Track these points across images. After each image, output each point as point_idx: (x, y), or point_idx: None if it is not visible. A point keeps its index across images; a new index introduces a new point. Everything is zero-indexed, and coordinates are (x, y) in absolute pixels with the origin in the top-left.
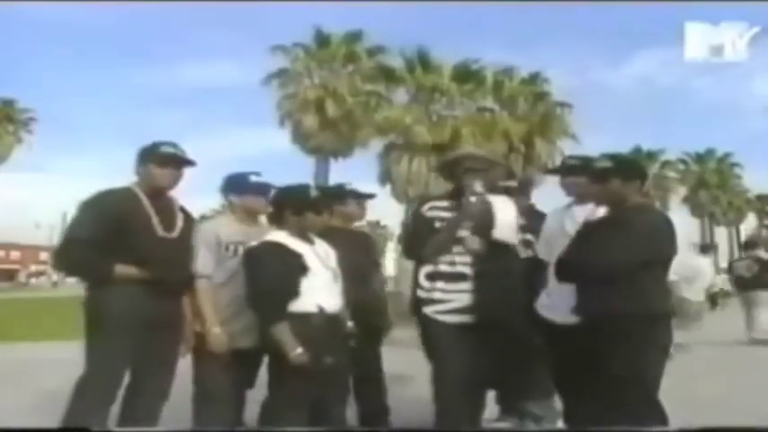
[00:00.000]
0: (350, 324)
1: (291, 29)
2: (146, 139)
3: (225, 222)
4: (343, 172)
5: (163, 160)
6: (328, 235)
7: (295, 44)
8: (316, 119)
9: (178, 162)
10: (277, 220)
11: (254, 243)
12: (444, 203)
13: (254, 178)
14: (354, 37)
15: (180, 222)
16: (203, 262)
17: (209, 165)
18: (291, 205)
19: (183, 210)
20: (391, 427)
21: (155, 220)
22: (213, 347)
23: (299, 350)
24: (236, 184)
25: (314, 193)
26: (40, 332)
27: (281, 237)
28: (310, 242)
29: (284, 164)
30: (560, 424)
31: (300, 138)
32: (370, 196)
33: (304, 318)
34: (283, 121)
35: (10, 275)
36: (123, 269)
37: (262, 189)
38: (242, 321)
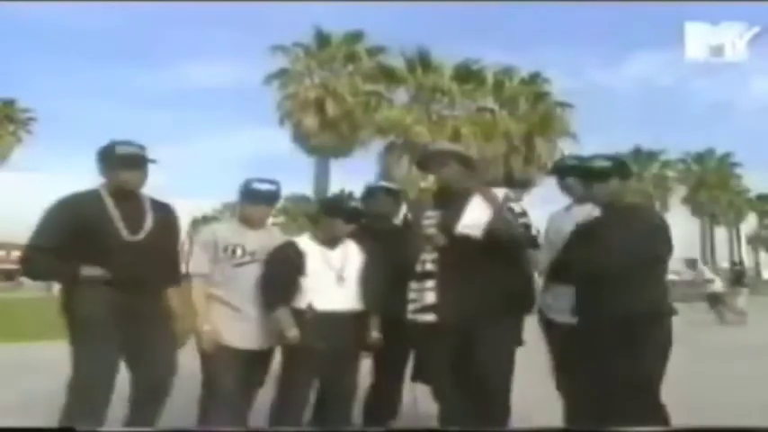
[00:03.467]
0: (375, 334)
1: (291, 29)
2: (147, 139)
3: (226, 225)
4: (343, 172)
5: (124, 161)
6: (363, 237)
7: (295, 44)
8: (316, 119)
9: (140, 162)
10: (315, 222)
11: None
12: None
13: (256, 185)
14: (354, 37)
15: (148, 224)
16: (197, 261)
17: (210, 165)
18: (326, 210)
19: (158, 208)
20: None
21: (119, 223)
22: (202, 345)
23: (295, 331)
24: (240, 190)
25: (350, 203)
26: (40, 332)
27: (300, 238)
28: (330, 246)
29: (284, 164)
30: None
31: (300, 138)
32: (398, 190)
33: (295, 313)
34: (283, 121)
35: (10, 275)
36: (88, 271)
37: (262, 197)
38: (245, 323)
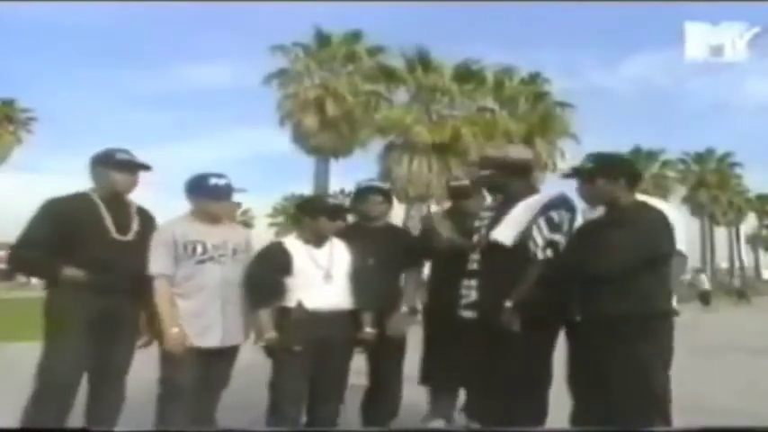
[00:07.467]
0: (368, 330)
1: (291, 29)
2: (147, 139)
3: (183, 222)
4: (343, 172)
5: (120, 166)
6: (355, 235)
7: (295, 44)
8: (316, 119)
9: (134, 167)
10: (298, 223)
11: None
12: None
13: (213, 181)
14: (354, 37)
15: (135, 226)
16: (158, 261)
17: (210, 165)
18: (308, 211)
19: (143, 213)
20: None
21: (108, 222)
22: (170, 347)
23: (272, 334)
24: (195, 187)
25: (330, 201)
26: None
27: (287, 239)
28: (316, 245)
29: (284, 164)
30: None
31: (300, 138)
32: (388, 190)
33: (284, 311)
34: (283, 121)
35: (10, 275)
36: (71, 271)
37: (220, 192)
38: (206, 320)
